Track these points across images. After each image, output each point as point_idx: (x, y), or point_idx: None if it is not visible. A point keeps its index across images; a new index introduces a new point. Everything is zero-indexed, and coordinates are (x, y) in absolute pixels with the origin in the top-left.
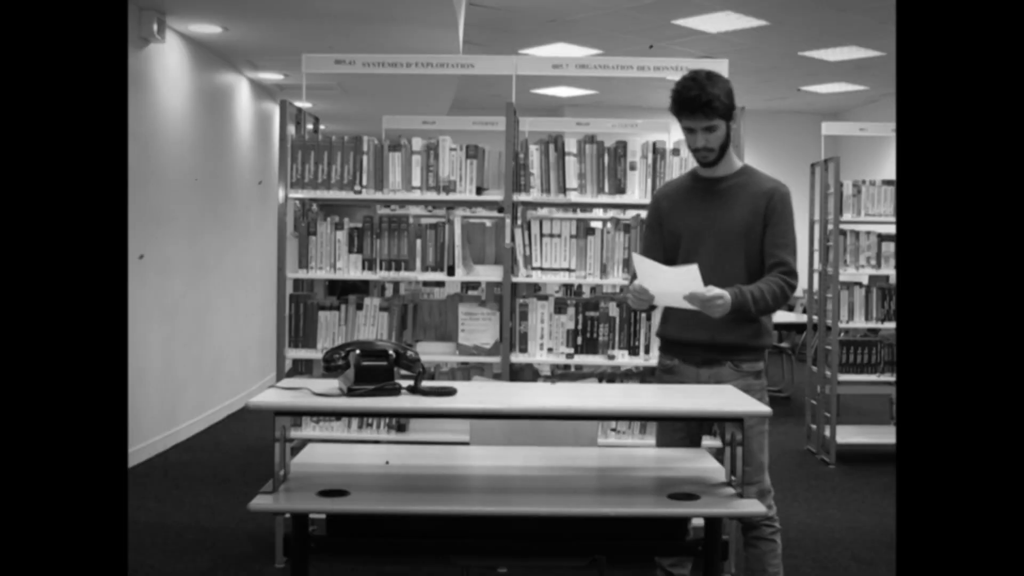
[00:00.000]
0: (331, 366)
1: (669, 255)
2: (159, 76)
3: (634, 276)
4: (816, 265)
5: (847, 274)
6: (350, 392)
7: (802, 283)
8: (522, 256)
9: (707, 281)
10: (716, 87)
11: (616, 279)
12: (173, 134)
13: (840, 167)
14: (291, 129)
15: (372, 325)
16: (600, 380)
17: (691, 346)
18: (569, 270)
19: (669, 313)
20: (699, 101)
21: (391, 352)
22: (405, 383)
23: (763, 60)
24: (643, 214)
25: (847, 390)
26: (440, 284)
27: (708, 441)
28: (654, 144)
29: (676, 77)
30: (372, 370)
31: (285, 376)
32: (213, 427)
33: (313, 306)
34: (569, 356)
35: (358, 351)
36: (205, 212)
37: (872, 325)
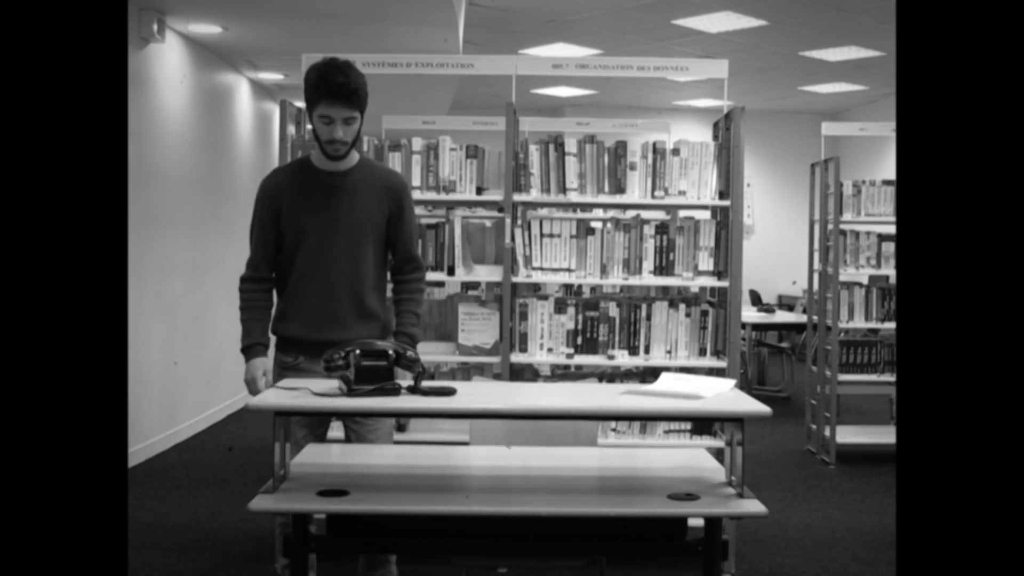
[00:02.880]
0: (331, 366)
1: (288, 252)
2: (159, 76)
3: None
4: (816, 265)
5: (847, 274)
6: (350, 392)
7: (802, 283)
8: (522, 256)
9: (343, 278)
10: (360, 78)
11: (616, 279)
12: (173, 134)
13: (840, 167)
14: (291, 129)
15: None
16: (600, 380)
17: (322, 345)
18: (569, 270)
19: (291, 311)
20: (347, 88)
21: (391, 352)
22: (405, 383)
23: (763, 60)
24: (643, 214)
25: (847, 390)
26: (440, 284)
27: (708, 441)
28: (654, 144)
29: (676, 77)
30: (372, 370)
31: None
32: (213, 427)
33: None
34: (569, 356)
35: (358, 351)
36: (205, 212)
37: (872, 325)
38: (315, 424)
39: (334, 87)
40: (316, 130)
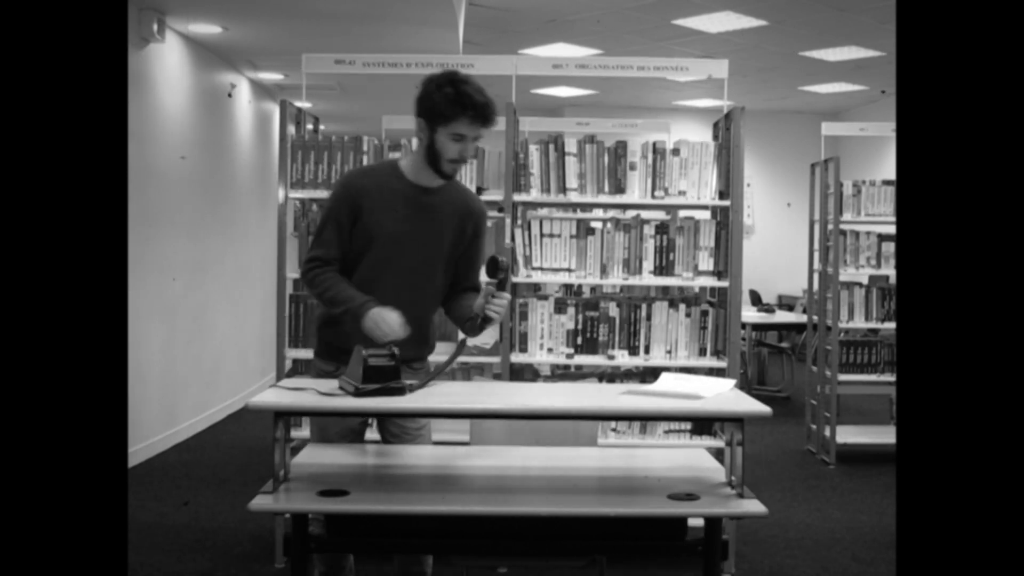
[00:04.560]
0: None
1: (354, 257)
2: (159, 76)
3: None
4: (816, 265)
5: (847, 274)
6: (357, 392)
7: (802, 283)
8: (522, 256)
9: (407, 295)
10: None
11: (616, 279)
12: (173, 134)
13: (840, 167)
14: (291, 129)
15: None
16: (600, 380)
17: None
18: (569, 270)
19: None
20: (490, 109)
21: (396, 351)
22: (410, 382)
23: (763, 60)
24: (643, 214)
25: (847, 390)
26: None
27: (708, 441)
28: (654, 144)
29: (676, 77)
30: (380, 369)
31: (285, 376)
32: (213, 427)
33: (313, 306)
34: (569, 356)
35: (364, 349)
36: (205, 212)
37: (872, 325)
38: (352, 429)
39: (480, 108)
40: (439, 146)
